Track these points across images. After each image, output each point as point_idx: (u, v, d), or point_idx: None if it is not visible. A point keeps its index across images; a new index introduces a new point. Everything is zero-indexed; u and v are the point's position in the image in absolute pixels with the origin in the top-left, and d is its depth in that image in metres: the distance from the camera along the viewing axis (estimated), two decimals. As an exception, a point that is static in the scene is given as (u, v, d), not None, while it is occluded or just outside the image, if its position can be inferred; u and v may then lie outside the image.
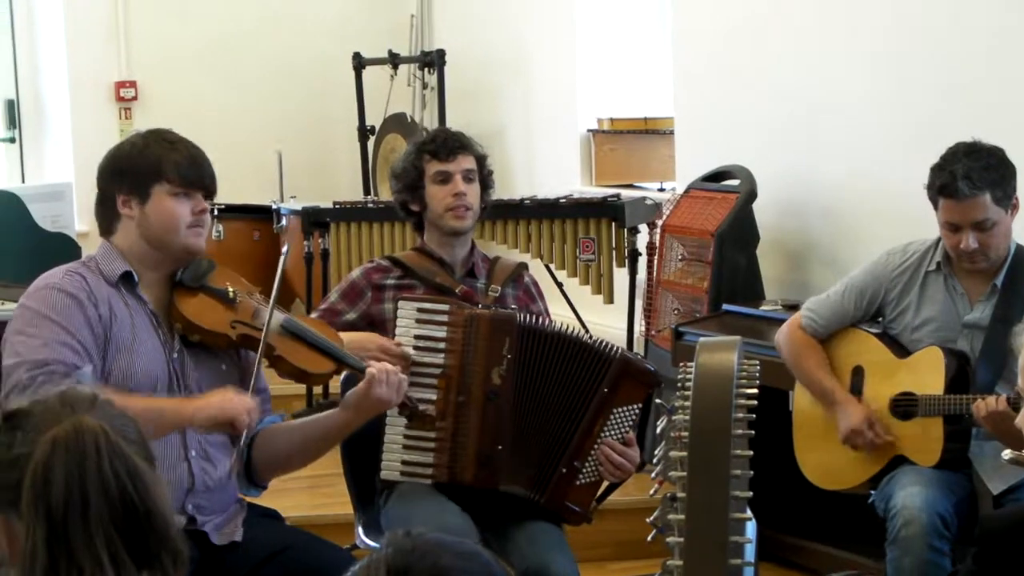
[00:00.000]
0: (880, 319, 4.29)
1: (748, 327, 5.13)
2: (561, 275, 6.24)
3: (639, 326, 6.12)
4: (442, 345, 3.80)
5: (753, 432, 2.16)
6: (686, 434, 2.11)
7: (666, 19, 6.83)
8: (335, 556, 3.49)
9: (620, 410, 3.83)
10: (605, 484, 3.89)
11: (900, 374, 4.15)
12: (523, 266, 4.21)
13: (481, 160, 4.14)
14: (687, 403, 2.13)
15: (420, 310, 3.82)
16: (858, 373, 4.24)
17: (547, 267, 6.24)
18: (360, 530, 4.04)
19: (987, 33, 4.95)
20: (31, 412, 1.89)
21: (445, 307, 3.82)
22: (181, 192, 3.38)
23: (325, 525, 4.80)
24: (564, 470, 3.82)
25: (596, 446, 3.82)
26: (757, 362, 2.29)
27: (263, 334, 3.33)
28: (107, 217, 3.43)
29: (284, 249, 3.55)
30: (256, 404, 3.31)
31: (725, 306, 5.48)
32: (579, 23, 7.41)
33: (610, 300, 6.04)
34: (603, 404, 3.81)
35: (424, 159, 4.07)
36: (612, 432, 3.83)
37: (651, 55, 7.32)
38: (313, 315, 4.02)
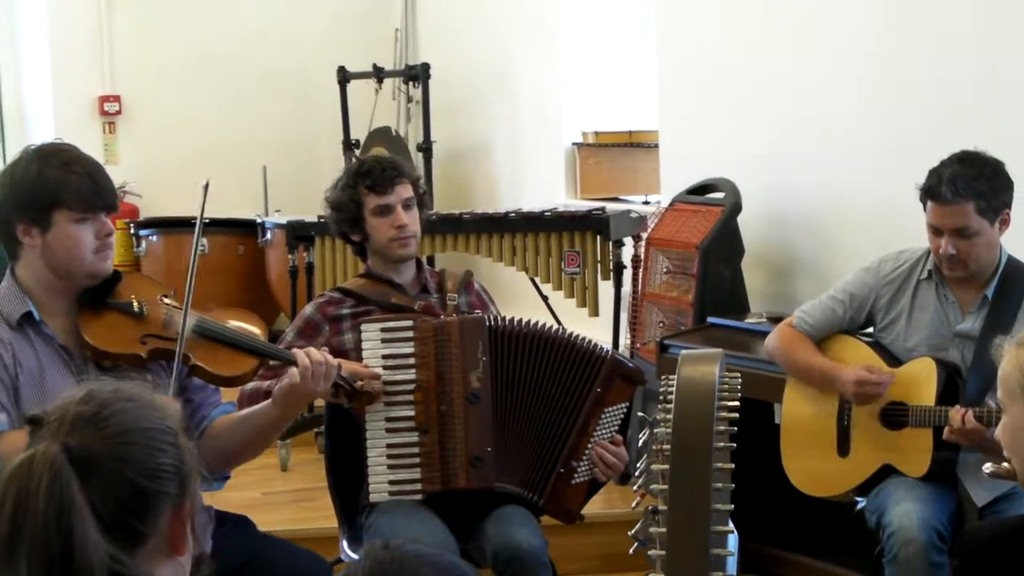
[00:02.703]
0: (871, 327, 4.30)
1: (733, 340, 5.13)
2: (546, 288, 6.25)
3: (624, 339, 6.12)
4: (412, 360, 3.81)
5: (735, 445, 2.16)
6: (668, 447, 2.11)
7: (650, 33, 6.84)
8: (308, 561, 3.47)
9: (610, 409, 3.90)
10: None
11: (891, 383, 4.15)
12: (470, 274, 4.23)
13: (416, 183, 4.14)
14: (669, 416, 2.13)
15: (384, 330, 3.82)
16: (849, 381, 4.24)
17: (532, 280, 6.25)
18: (344, 544, 4.04)
19: (973, 50, 4.96)
20: (44, 422, 1.86)
21: (409, 323, 3.83)
22: (83, 217, 3.24)
23: (309, 539, 4.77)
24: (561, 470, 3.87)
25: (590, 446, 3.87)
26: (739, 375, 2.29)
27: (178, 344, 3.22)
28: (10, 246, 3.29)
29: (194, 252, 3.42)
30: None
31: (710, 319, 5.49)
32: (564, 37, 7.42)
33: (595, 313, 6.04)
34: (596, 404, 3.86)
35: (362, 192, 4.05)
36: (603, 431, 3.89)
37: (636, 69, 7.33)
38: None
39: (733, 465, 2.14)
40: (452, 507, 3.83)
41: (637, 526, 2.15)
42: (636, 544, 2.17)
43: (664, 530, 2.07)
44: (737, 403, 2.20)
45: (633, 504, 2.31)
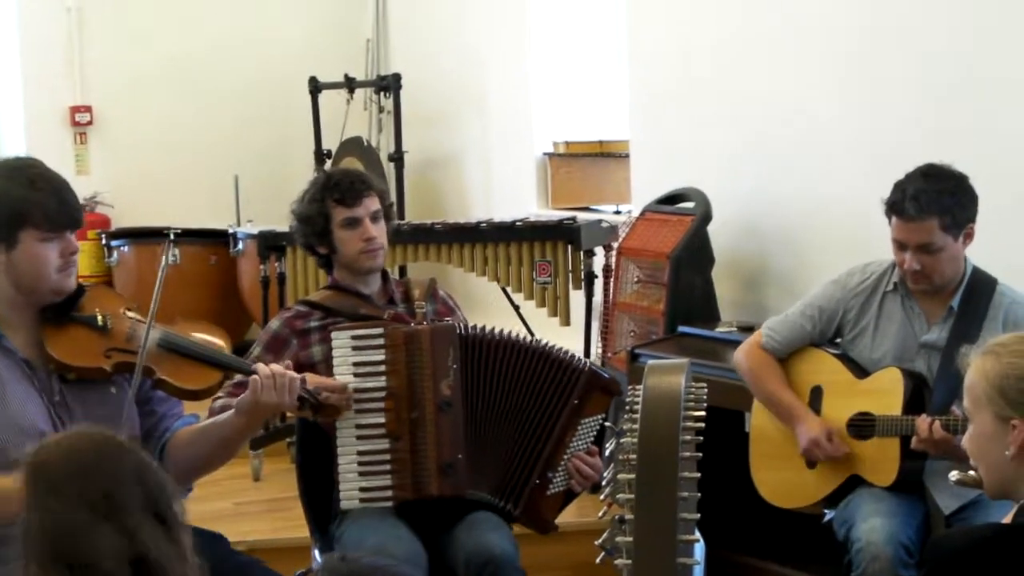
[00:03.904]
0: (839, 339, 4.31)
1: (704, 349, 5.15)
2: (518, 298, 6.25)
3: (596, 348, 6.14)
4: (383, 368, 3.82)
5: (701, 454, 2.17)
6: (634, 456, 2.12)
7: (621, 43, 6.86)
8: None
9: (587, 421, 3.91)
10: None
11: (858, 394, 4.16)
12: (434, 281, 4.24)
13: (383, 195, 4.15)
14: (635, 426, 2.14)
15: (355, 337, 3.82)
16: (817, 393, 4.25)
17: (504, 290, 6.26)
18: (316, 553, 4.04)
19: (951, 60, 4.97)
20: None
21: (379, 330, 3.84)
22: (50, 236, 3.23)
23: (282, 548, 4.80)
24: (537, 481, 3.88)
25: (566, 457, 3.88)
26: (705, 385, 2.31)
27: (139, 357, 3.22)
28: None
29: (162, 263, 3.42)
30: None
31: (681, 328, 5.50)
32: (534, 47, 7.44)
33: (567, 322, 6.06)
34: (573, 415, 3.87)
35: (330, 205, 4.06)
36: (579, 442, 3.91)
37: (606, 79, 7.34)
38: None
39: (699, 474, 2.16)
40: (424, 515, 3.84)
41: (604, 535, 2.17)
42: (603, 553, 2.18)
43: (631, 539, 2.08)
44: (703, 413, 2.22)
45: (600, 513, 2.33)
